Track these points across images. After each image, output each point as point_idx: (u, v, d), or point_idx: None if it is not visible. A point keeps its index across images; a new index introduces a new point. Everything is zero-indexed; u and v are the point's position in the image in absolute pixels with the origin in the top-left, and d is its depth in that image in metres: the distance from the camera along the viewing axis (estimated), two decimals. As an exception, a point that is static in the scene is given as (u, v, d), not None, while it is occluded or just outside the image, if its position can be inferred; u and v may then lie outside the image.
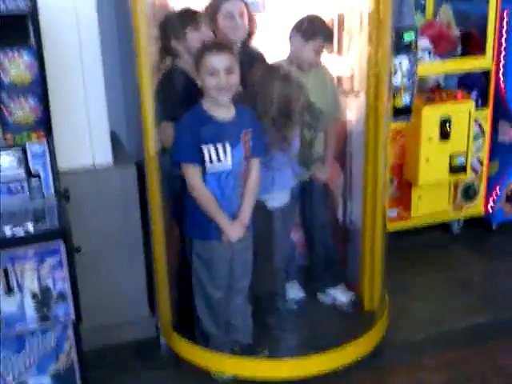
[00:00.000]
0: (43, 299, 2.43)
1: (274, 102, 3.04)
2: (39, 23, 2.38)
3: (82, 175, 3.23)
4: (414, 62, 3.40)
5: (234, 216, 3.02)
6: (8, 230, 2.44)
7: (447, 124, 4.05)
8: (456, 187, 4.44)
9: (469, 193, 4.47)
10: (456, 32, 4.33)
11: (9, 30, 2.41)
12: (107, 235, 3.33)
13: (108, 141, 3.28)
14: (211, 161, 2.89)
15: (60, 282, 2.43)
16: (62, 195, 2.70)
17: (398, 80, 3.33)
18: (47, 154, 2.63)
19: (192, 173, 2.89)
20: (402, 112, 3.52)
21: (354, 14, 3.40)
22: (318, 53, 3.27)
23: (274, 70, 3.08)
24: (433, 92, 4.10)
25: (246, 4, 3.24)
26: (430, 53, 4.15)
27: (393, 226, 4.35)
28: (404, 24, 3.27)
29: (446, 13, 4.49)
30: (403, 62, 3.38)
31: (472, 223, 4.66)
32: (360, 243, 3.57)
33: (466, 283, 4.08)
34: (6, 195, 2.61)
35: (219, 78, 2.81)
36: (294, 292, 3.80)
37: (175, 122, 2.94)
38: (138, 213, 3.34)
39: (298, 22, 3.27)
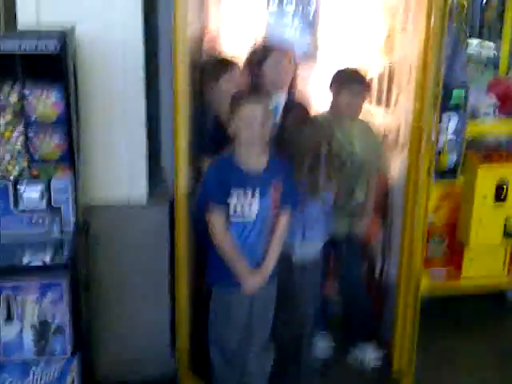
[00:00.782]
0: (41, 332, 2.47)
1: (306, 152, 2.99)
2: (67, 64, 2.43)
3: (116, 210, 3.25)
4: (463, 121, 3.26)
5: (256, 265, 2.96)
6: (26, 260, 2.49)
7: (504, 186, 3.85)
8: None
9: (525, 260, 4.22)
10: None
11: (42, 68, 2.48)
12: (135, 271, 3.33)
13: (144, 177, 3.29)
14: (235, 210, 2.85)
15: (59, 316, 2.46)
16: (81, 230, 2.72)
17: (442, 137, 3.18)
18: (70, 189, 2.65)
19: (216, 218, 2.87)
20: (447, 171, 3.37)
21: (403, 66, 3.30)
22: (354, 100, 3.22)
23: (307, 119, 3.02)
24: (491, 152, 3.93)
25: (293, 54, 3.21)
26: (494, 110, 3.98)
27: (441, 288, 4.18)
28: (455, 81, 3.14)
29: (519, 69, 4.32)
30: (452, 119, 3.24)
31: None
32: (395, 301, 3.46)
33: (509, 356, 3.81)
34: (27, 227, 2.65)
35: (253, 130, 2.78)
36: (324, 343, 3.71)
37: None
38: (167, 251, 3.31)
39: (335, 73, 3.27)
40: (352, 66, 3.34)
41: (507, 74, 4.31)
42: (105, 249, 3.26)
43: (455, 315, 4.23)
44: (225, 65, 3.11)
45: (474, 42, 5.37)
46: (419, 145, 3.08)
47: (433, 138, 3.04)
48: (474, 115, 3.95)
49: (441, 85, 2.96)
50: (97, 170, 3.19)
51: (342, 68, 3.32)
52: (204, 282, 3.16)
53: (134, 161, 3.26)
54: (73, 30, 2.78)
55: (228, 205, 2.85)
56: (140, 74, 3.11)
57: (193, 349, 3.29)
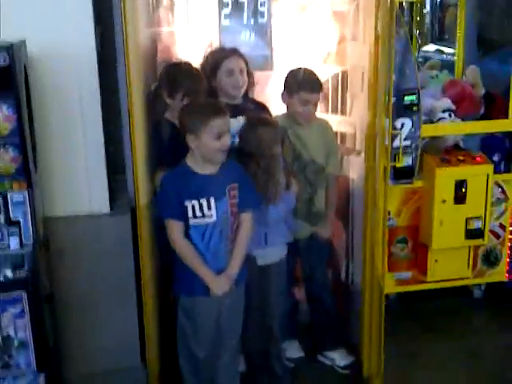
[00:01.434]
0: (5, 347, 2.46)
1: (260, 154, 3.03)
2: (17, 77, 2.44)
3: (78, 221, 3.28)
4: (417, 125, 3.32)
5: (221, 270, 2.98)
6: (-15, 276, 2.49)
7: (462, 187, 3.91)
8: (476, 252, 4.26)
9: (490, 258, 4.28)
10: (481, 92, 4.21)
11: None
12: (101, 282, 3.36)
13: (105, 188, 3.34)
14: (195, 215, 2.88)
15: (21, 331, 2.45)
16: (41, 244, 2.73)
17: (397, 142, 3.24)
18: (27, 203, 2.66)
19: (173, 228, 2.89)
20: (404, 174, 3.42)
21: (355, 73, 3.37)
22: (306, 104, 3.26)
23: (261, 120, 3.07)
24: (449, 153, 3.98)
25: (245, 61, 3.25)
26: (450, 113, 4.04)
27: (406, 289, 4.23)
28: (406, 86, 3.21)
29: (474, 72, 4.39)
30: (406, 124, 3.30)
31: (497, 287, 4.43)
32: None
33: (477, 354, 3.87)
34: (-15, 241, 2.66)
35: (224, 140, 2.82)
36: (293, 351, 3.73)
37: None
38: (131, 261, 3.34)
39: (286, 76, 3.30)
40: (304, 67, 3.35)
41: (463, 77, 4.39)
42: (69, 260, 3.28)
43: (423, 316, 4.27)
44: (192, 79, 3.11)
45: (431, 47, 5.47)
46: (374, 150, 3.12)
47: (386, 143, 3.10)
48: (431, 118, 4.02)
49: (391, 91, 3.01)
50: (57, 182, 3.22)
51: (293, 70, 3.33)
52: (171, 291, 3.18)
53: (94, 171, 3.31)
54: (23, 43, 2.80)
55: (185, 212, 2.87)
56: (95, 84, 3.15)
57: (163, 359, 3.30)
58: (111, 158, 3.50)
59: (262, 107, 3.39)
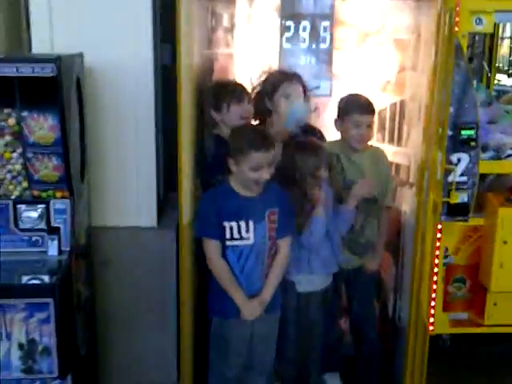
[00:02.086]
0: (29, 351, 2.52)
1: (299, 178, 2.99)
2: (63, 88, 2.53)
3: (124, 232, 3.34)
4: (475, 161, 3.18)
5: (254, 295, 2.95)
6: (24, 279, 2.57)
7: (526, 229, 3.70)
8: (539, 299, 4.02)
9: (553, 306, 4.02)
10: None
11: (40, 92, 2.59)
12: (143, 295, 3.40)
13: (154, 202, 3.38)
14: (232, 237, 2.88)
15: (46, 337, 2.50)
16: (80, 252, 2.79)
17: (451, 177, 3.11)
18: (68, 211, 2.73)
19: (210, 246, 2.89)
20: (458, 211, 3.28)
21: (413, 103, 3.28)
22: (359, 127, 3.20)
23: (308, 145, 3.03)
24: (514, 192, 3.79)
25: (304, 86, 3.23)
26: (521, 150, 3.86)
27: (461, 331, 4.04)
28: (464, 120, 3.09)
29: (552, 108, 4.19)
30: (462, 159, 3.17)
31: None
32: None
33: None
34: (27, 246, 2.75)
35: (261, 173, 2.81)
36: (333, 382, 3.64)
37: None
38: (174, 277, 3.35)
39: (338, 103, 3.26)
40: (356, 92, 3.31)
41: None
42: (113, 271, 3.34)
43: (477, 361, 4.09)
44: (236, 89, 3.12)
45: (504, 79, 5.26)
46: (422, 183, 3.05)
47: (437, 178, 2.99)
48: (499, 155, 3.84)
49: (446, 123, 2.90)
50: (107, 193, 3.30)
51: (346, 95, 3.30)
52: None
53: (145, 185, 3.36)
54: (79, 56, 2.89)
55: (223, 232, 2.87)
56: (151, 100, 3.21)
57: (197, 379, 3.29)
58: (168, 175, 3.56)
59: (317, 133, 3.35)
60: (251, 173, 2.81)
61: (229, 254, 2.89)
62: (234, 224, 2.86)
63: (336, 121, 3.30)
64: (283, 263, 3.01)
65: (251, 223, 2.86)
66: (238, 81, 3.22)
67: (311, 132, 3.35)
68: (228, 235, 2.87)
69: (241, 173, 2.82)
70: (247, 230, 2.86)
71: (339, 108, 3.29)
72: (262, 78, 3.27)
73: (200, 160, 3.14)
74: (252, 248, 2.89)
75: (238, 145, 2.82)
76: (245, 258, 2.90)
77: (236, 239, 2.87)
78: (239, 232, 2.86)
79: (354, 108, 3.20)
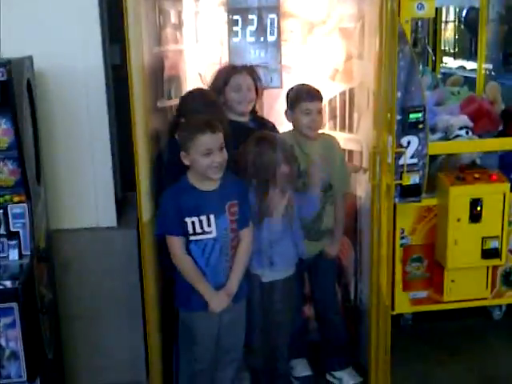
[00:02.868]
0: (-4, 357, 2.51)
1: (261, 169, 3.05)
2: (15, 91, 2.52)
3: (84, 234, 3.35)
4: (424, 143, 3.28)
5: (220, 286, 2.99)
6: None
7: (478, 205, 3.83)
8: (495, 272, 4.16)
9: (509, 279, 4.17)
10: (500, 109, 4.13)
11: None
12: (106, 295, 3.42)
13: (112, 202, 3.40)
14: (195, 231, 2.90)
15: (13, 342, 2.50)
16: (40, 256, 2.79)
17: (402, 160, 3.21)
18: (27, 215, 2.72)
19: (174, 243, 2.92)
20: (411, 192, 3.38)
21: (362, 91, 3.36)
22: (309, 114, 3.26)
23: (265, 137, 3.08)
24: (464, 171, 3.91)
25: (254, 78, 3.27)
26: (467, 131, 3.98)
27: (422, 309, 4.16)
28: (411, 104, 3.18)
29: (493, 89, 4.33)
30: (412, 142, 3.27)
31: (517, 308, 4.31)
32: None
33: (493, 378, 3.76)
34: (-14, 253, 2.74)
35: (213, 157, 2.83)
36: (301, 369, 3.71)
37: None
38: (137, 275, 3.36)
39: (287, 92, 3.31)
40: (303, 82, 3.36)
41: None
42: (74, 273, 3.34)
43: (438, 337, 4.19)
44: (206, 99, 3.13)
45: (454, 63, 5.40)
46: (375, 168, 3.11)
47: (389, 162, 3.07)
48: (447, 136, 3.97)
49: (394, 108, 2.98)
50: (64, 195, 3.30)
51: (294, 86, 3.35)
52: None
53: (102, 185, 3.38)
54: (29, 59, 2.89)
55: (186, 227, 2.90)
56: (102, 100, 3.23)
57: (167, 375, 3.30)
58: (125, 175, 3.57)
59: (270, 125, 3.39)
60: (203, 159, 2.82)
61: (193, 248, 2.93)
62: (195, 219, 2.89)
63: (286, 112, 3.36)
64: (246, 253, 3.05)
65: (212, 217, 2.90)
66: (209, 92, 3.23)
67: (263, 124, 3.40)
68: (190, 230, 2.90)
69: (194, 163, 2.84)
70: (209, 224, 2.90)
71: (288, 98, 3.34)
72: (213, 74, 3.30)
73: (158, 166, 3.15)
74: (215, 241, 2.92)
75: (185, 134, 2.87)
76: (209, 251, 2.93)
77: (198, 234, 2.91)
78: (201, 227, 2.90)
79: (303, 96, 3.26)
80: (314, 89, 3.31)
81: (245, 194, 3.02)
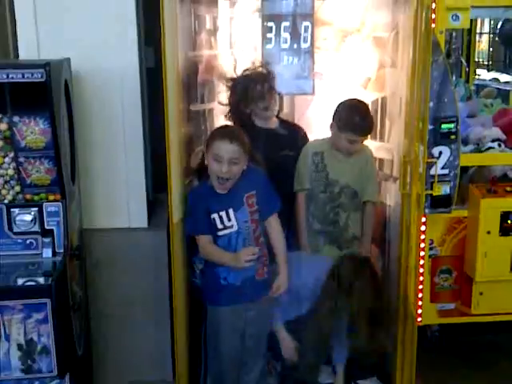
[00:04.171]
0: (28, 351, 2.57)
1: None
2: (53, 92, 2.59)
3: (116, 234, 3.40)
4: (455, 154, 3.26)
5: (248, 278, 3.03)
6: (18, 281, 2.63)
7: (508, 218, 3.80)
8: (525, 286, 4.11)
9: (539, 294, 4.11)
10: (535, 122, 4.09)
11: (31, 97, 2.64)
12: (136, 294, 3.47)
13: (144, 203, 3.45)
14: (217, 228, 2.98)
15: (44, 337, 2.55)
16: (73, 254, 2.85)
17: (433, 170, 3.20)
18: (61, 214, 2.78)
19: (203, 241, 3.01)
20: (441, 203, 3.36)
21: (394, 99, 3.36)
22: (352, 143, 3.29)
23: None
24: (496, 183, 3.88)
25: (271, 83, 3.29)
26: (500, 143, 3.95)
27: (449, 321, 4.12)
28: (443, 114, 3.17)
29: (528, 101, 4.29)
30: (443, 152, 3.26)
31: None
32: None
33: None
34: (22, 249, 2.80)
35: (221, 166, 2.88)
36: (326, 376, 3.71)
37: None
38: (166, 276, 3.41)
39: (338, 108, 3.32)
40: (353, 98, 3.37)
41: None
42: (105, 272, 3.39)
43: (465, 350, 4.16)
44: None
45: (488, 75, 5.36)
46: (405, 177, 3.14)
47: (420, 171, 3.07)
48: (479, 148, 3.94)
49: (426, 118, 2.98)
50: (97, 195, 3.37)
51: (347, 105, 3.32)
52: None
53: (134, 186, 3.43)
54: (67, 61, 2.96)
55: (213, 224, 2.98)
56: (137, 102, 3.29)
57: (193, 375, 3.35)
58: (157, 176, 3.62)
59: (296, 128, 3.42)
60: (212, 163, 2.89)
61: (219, 242, 3.00)
62: (215, 216, 2.96)
63: (332, 126, 3.35)
64: (280, 241, 3.09)
65: (231, 211, 2.97)
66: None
67: (294, 131, 3.42)
68: (215, 227, 2.97)
69: (208, 164, 2.92)
70: (229, 219, 2.97)
71: (340, 118, 3.32)
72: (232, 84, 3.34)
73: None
74: (238, 234, 2.99)
75: (210, 134, 2.98)
76: (234, 242, 3.00)
77: (221, 229, 2.98)
78: (222, 222, 2.97)
79: (355, 129, 3.27)
80: (369, 123, 3.32)
81: (262, 183, 3.05)
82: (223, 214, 2.96)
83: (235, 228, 2.97)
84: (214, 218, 2.96)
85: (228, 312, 3.05)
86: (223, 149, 2.86)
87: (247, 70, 3.35)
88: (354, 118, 3.28)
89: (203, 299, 3.16)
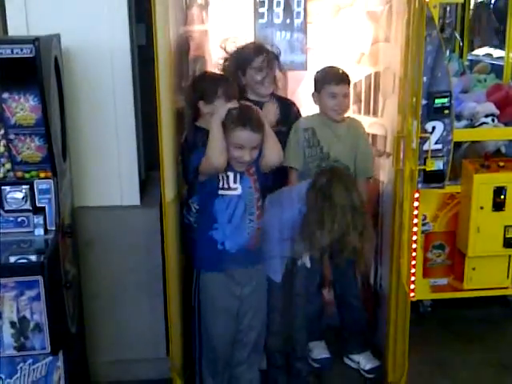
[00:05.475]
0: (21, 329, 2.57)
1: None
2: (42, 68, 2.55)
3: (108, 212, 3.39)
4: (449, 129, 3.26)
5: (241, 247, 3.01)
6: (13, 259, 2.62)
7: (501, 194, 3.81)
8: (516, 261, 4.14)
9: (531, 269, 4.15)
10: (529, 98, 4.09)
11: (20, 73, 2.61)
12: (128, 272, 3.46)
13: (136, 181, 3.43)
14: (222, 186, 2.97)
15: (37, 314, 2.55)
16: (65, 232, 2.83)
17: (426, 145, 3.19)
18: (53, 191, 2.76)
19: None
20: (434, 178, 3.36)
21: (388, 74, 3.34)
22: (335, 97, 3.26)
23: None
24: (489, 159, 3.89)
25: (276, 60, 3.27)
26: (493, 118, 3.95)
27: (441, 296, 4.17)
28: (437, 89, 3.16)
29: (522, 76, 4.29)
30: (437, 127, 3.25)
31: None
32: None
33: (509, 368, 3.75)
34: (14, 227, 2.78)
35: (243, 153, 2.88)
36: (319, 351, 3.73)
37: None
38: (159, 253, 3.39)
39: (314, 77, 3.33)
40: (330, 64, 3.37)
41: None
42: (97, 250, 3.38)
43: (457, 324, 4.19)
44: (228, 85, 3.12)
45: (482, 50, 5.33)
46: (398, 152, 3.11)
47: (413, 147, 3.06)
48: (473, 123, 3.94)
49: (419, 93, 2.97)
50: (89, 173, 3.34)
51: (321, 68, 3.36)
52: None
53: (126, 164, 3.40)
54: (56, 36, 2.91)
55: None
56: (128, 79, 3.25)
57: (186, 353, 3.33)
58: (148, 154, 3.60)
59: (290, 104, 3.39)
60: (234, 150, 2.88)
61: (218, 202, 2.98)
62: (223, 174, 2.95)
63: (313, 94, 3.36)
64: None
65: (238, 175, 2.96)
66: (227, 76, 3.24)
67: (288, 106, 3.40)
68: (220, 184, 2.96)
69: (229, 151, 2.89)
70: (235, 181, 2.96)
71: (315, 81, 3.35)
72: (233, 51, 3.29)
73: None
74: (239, 198, 2.98)
75: (228, 122, 2.88)
76: (233, 208, 2.98)
77: (225, 189, 2.97)
78: (227, 182, 2.96)
79: (329, 79, 3.27)
80: (341, 71, 3.31)
81: None
82: (231, 174, 2.95)
83: (239, 191, 2.97)
84: (222, 176, 2.95)
85: (223, 278, 3.04)
86: (245, 138, 2.86)
87: (249, 43, 3.33)
88: (328, 72, 3.33)
89: (197, 266, 3.12)
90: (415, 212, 3.22)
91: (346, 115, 3.40)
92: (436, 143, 3.30)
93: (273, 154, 2.98)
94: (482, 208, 3.88)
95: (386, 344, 3.48)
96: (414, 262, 3.39)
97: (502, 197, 3.86)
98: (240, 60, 3.25)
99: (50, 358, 2.75)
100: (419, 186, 3.33)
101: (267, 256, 3.17)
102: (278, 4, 3.47)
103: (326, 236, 2.97)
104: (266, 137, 2.93)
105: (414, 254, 3.35)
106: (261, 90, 3.26)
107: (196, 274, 3.12)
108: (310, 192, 3.07)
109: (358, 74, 3.57)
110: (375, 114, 3.56)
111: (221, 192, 2.97)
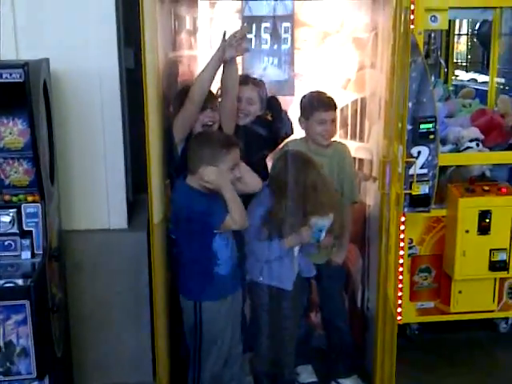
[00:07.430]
0: (7, 353, 2.55)
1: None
2: (32, 93, 2.57)
3: (95, 235, 3.39)
4: (434, 154, 3.30)
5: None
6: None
7: (486, 217, 3.84)
8: (502, 285, 4.16)
9: (516, 293, 4.17)
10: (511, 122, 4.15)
11: (9, 97, 2.62)
12: (116, 296, 3.46)
13: (124, 204, 3.45)
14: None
15: (23, 339, 2.53)
16: (52, 255, 2.83)
17: (412, 170, 3.22)
18: (40, 215, 2.76)
19: None
20: (420, 202, 3.40)
21: (374, 100, 3.38)
22: (323, 124, 3.30)
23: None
24: (474, 183, 3.92)
25: (259, 92, 3.30)
26: (478, 143, 4.00)
27: (428, 320, 4.17)
28: (422, 114, 3.21)
29: (505, 102, 4.35)
30: (422, 152, 3.29)
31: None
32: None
33: (499, 392, 3.77)
34: (1, 251, 2.79)
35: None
36: (306, 376, 3.72)
37: None
38: (146, 276, 3.40)
39: (300, 103, 3.36)
40: (316, 90, 3.40)
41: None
42: (85, 273, 3.38)
43: (445, 348, 4.19)
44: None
45: (466, 75, 5.41)
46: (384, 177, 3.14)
47: (399, 171, 3.09)
48: (458, 147, 3.98)
49: (405, 118, 3.01)
50: (77, 196, 3.34)
51: (305, 95, 3.39)
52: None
53: (114, 187, 3.41)
54: (45, 61, 2.94)
55: None
56: (117, 103, 3.27)
57: (174, 376, 3.33)
58: (136, 177, 3.61)
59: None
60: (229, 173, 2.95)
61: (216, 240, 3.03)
62: None
63: (300, 119, 3.39)
64: None
65: None
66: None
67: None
68: None
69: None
70: None
71: (302, 106, 3.38)
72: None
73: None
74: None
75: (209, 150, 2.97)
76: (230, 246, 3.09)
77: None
78: None
79: (317, 106, 3.30)
80: (328, 97, 3.34)
81: None
82: None
83: None
84: None
85: (224, 303, 3.09)
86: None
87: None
88: (315, 98, 3.35)
89: (192, 295, 3.12)
90: (401, 235, 3.25)
91: (333, 139, 3.43)
92: (421, 167, 3.33)
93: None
94: (467, 231, 3.90)
95: (374, 367, 3.48)
96: (400, 286, 3.42)
97: (488, 220, 3.88)
98: None
99: (36, 383, 2.72)
100: (405, 209, 3.35)
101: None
102: (266, 30, 3.51)
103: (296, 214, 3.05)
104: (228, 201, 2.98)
105: (400, 277, 3.38)
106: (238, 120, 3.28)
107: (197, 306, 3.11)
108: (271, 179, 3.17)
109: (344, 99, 3.61)
110: (361, 138, 3.60)
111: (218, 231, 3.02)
